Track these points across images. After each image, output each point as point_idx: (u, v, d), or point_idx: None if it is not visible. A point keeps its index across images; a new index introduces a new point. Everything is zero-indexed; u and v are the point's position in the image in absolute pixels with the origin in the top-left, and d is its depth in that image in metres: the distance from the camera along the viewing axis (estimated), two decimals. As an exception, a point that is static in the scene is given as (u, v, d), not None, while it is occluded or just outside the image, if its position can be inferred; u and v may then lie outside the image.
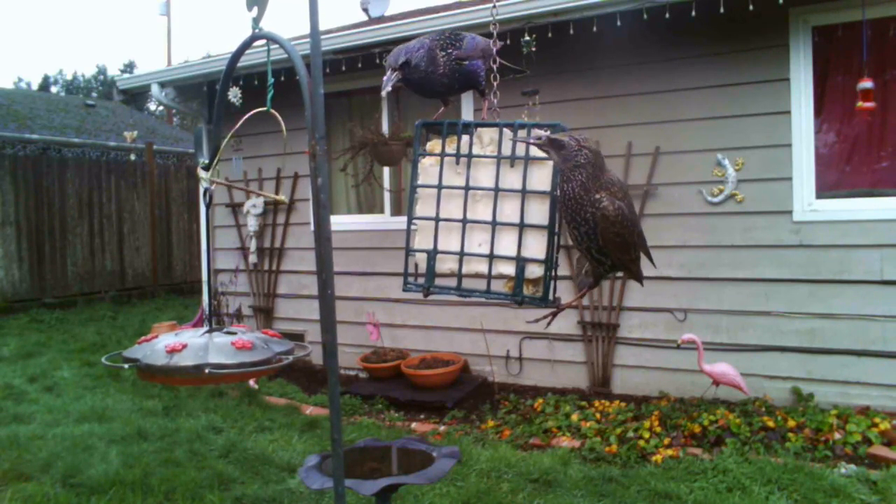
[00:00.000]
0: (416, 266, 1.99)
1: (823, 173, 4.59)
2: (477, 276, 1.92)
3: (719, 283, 4.80)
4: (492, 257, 1.88)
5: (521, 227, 1.84)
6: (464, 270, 1.92)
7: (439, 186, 1.96)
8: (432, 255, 1.94)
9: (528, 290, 1.86)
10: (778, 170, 4.60)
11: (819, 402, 4.37)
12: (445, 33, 1.99)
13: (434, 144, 1.98)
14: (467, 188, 1.92)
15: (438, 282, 1.96)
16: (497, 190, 1.89)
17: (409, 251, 2.00)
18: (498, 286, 1.91)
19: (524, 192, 1.85)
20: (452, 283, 1.95)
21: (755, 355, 4.66)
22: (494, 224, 1.88)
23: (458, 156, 1.94)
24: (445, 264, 1.95)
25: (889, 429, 3.88)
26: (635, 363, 5.05)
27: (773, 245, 4.64)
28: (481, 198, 1.91)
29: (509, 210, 1.87)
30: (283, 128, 2.13)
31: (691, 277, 4.88)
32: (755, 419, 4.07)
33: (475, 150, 1.93)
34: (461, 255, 1.92)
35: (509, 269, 1.86)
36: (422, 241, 1.98)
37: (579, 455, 3.93)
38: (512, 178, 1.87)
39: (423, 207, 1.99)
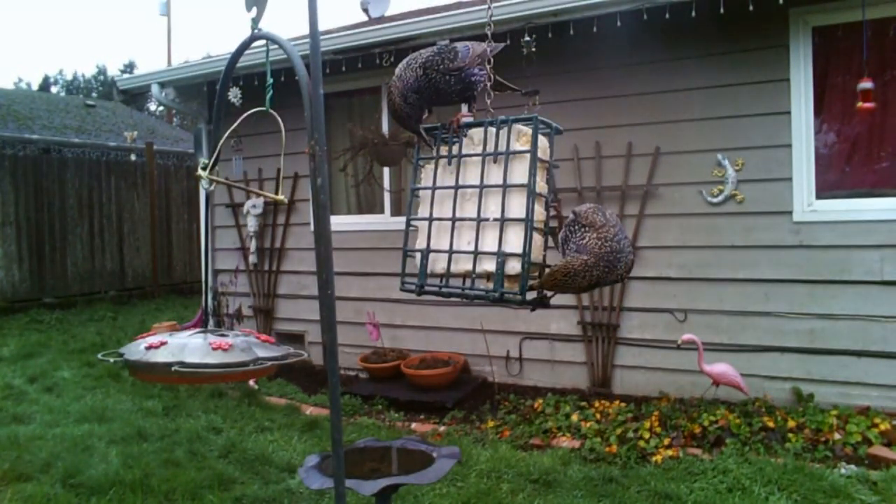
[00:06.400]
0: (423, 266, 2.07)
1: (823, 173, 4.59)
2: (466, 274, 1.98)
3: (719, 284, 4.79)
4: (476, 254, 1.93)
5: (502, 222, 1.89)
6: (453, 269, 1.98)
7: (434, 188, 2.06)
8: (425, 254, 2.04)
9: (509, 286, 1.89)
10: (778, 170, 4.60)
11: (819, 402, 4.37)
12: (440, 48, 2.04)
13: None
14: (457, 187, 2.01)
15: (432, 281, 2.05)
16: (482, 187, 1.95)
17: (406, 251, 2.11)
18: (481, 284, 1.97)
19: (505, 188, 1.91)
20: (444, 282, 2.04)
21: (755, 355, 4.66)
22: (479, 221, 1.94)
23: (449, 156, 2.05)
24: (439, 264, 2.02)
25: (889, 429, 3.88)
26: (635, 363, 5.05)
27: (773, 245, 4.63)
28: (471, 196, 1.98)
29: (494, 207, 1.93)
30: (283, 129, 2.13)
31: (691, 278, 4.88)
32: (755, 419, 4.07)
33: (467, 150, 2.02)
34: (450, 252, 1.98)
35: (493, 265, 1.90)
36: (419, 241, 2.08)
37: (579, 455, 3.93)
38: (496, 175, 1.95)
39: (420, 209, 2.09)
